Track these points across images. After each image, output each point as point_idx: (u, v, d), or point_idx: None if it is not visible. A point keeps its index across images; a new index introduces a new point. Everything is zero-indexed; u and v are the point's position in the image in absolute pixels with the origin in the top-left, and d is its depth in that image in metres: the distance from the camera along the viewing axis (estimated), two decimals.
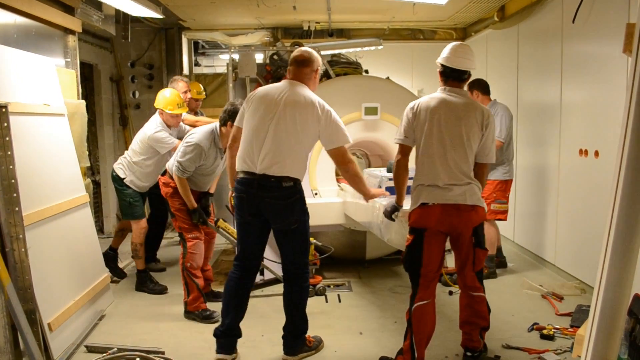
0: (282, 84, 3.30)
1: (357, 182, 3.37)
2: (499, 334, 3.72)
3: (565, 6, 4.72)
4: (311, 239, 4.64)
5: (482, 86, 4.81)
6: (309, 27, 6.83)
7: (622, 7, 3.91)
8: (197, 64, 8.88)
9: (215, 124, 4.09)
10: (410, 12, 6.19)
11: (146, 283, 4.74)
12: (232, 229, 4.50)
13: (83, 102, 4.68)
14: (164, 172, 4.30)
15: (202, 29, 7.26)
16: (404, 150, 3.20)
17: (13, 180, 3.12)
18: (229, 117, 3.90)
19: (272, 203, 3.20)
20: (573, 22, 4.42)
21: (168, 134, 4.67)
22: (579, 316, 3.91)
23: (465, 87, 4.53)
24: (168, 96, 4.70)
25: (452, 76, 3.17)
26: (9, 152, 3.12)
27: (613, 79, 4.06)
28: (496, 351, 3.49)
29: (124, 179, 4.73)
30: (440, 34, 7.42)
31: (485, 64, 6.66)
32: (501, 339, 3.63)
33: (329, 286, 4.67)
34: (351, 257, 5.22)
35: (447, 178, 3.03)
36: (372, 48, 6.61)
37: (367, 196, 3.47)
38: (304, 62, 3.29)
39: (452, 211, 3.02)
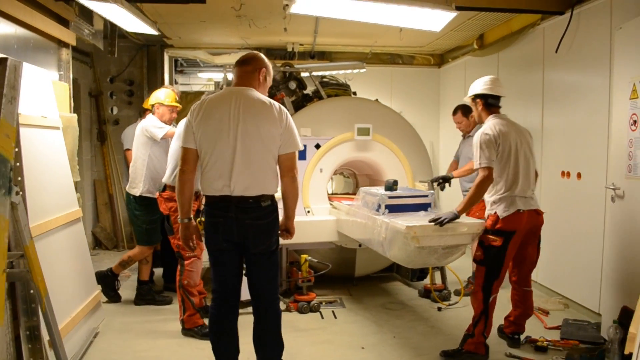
0: (227, 91, 3.00)
1: (294, 197, 3.04)
2: (497, 346, 3.84)
3: (546, 36, 5.02)
4: (306, 256, 4.70)
5: (467, 110, 5.09)
6: (292, 48, 6.95)
7: (604, 37, 4.20)
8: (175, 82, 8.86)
9: None
10: (394, 37, 6.40)
11: (109, 286, 4.75)
12: None
13: (75, 116, 4.61)
14: (164, 188, 4.19)
15: (185, 47, 7.27)
16: (491, 172, 3.55)
17: (21, 193, 3.05)
18: None
19: (252, 224, 2.92)
20: (556, 51, 4.71)
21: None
22: (567, 329, 4.10)
23: (459, 112, 4.85)
24: (164, 91, 4.76)
25: (494, 104, 3.76)
26: (18, 164, 3.07)
27: (595, 105, 4.33)
28: (500, 359, 3.64)
29: (139, 195, 4.62)
30: (419, 60, 7.69)
31: (463, 90, 6.92)
32: (500, 351, 3.76)
33: (321, 303, 4.71)
34: (341, 275, 5.29)
35: (530, 190, 3.68)
36: (355, 71, 6.80)
37: (290, 220, 3.09)
38: (245, 60, 3.03)
39: (535, 215, 3.67)
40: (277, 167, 2.99)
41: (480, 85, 3.77)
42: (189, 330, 4.02)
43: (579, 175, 4.55)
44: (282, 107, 2.98)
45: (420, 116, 7.32)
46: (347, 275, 5.33)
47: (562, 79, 4.83)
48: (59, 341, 2.74)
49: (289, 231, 3.12)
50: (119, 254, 6.87)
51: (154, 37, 6.78)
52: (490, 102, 3.74)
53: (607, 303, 3.92)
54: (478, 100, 3.77)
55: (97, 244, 7.16)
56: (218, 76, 8.78)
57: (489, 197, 3.65)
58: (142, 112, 7.21)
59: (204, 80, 9.55)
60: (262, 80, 3.04)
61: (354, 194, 5.66)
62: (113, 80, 7.27)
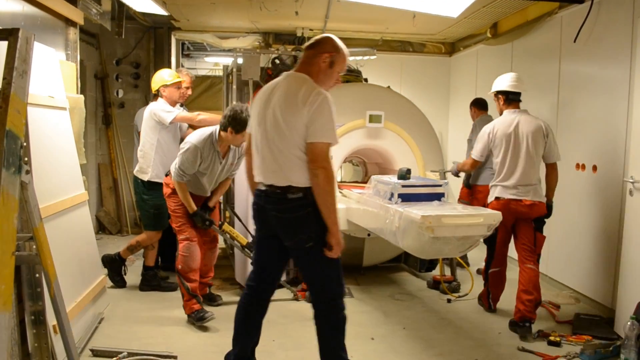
0: (279, 77, 2.84)
1: (320, 196, 2.62)
2: (509, 340, 3.79)
3: (564, 26, 4.90)
4: None
5: (479, 104, 5.56)
6: (302, 33, 6.83)
7: (625, 27, 4.09)
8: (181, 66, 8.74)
9: (216, 127, 3.95)
10: (406, 23, 6.29)
11: (114, 268, 4.73)
12: (237, 233, 4.42)
13: (82, 97, 4.53)
14: (167, 173, 4.18)
15: (192, 30, 7.15)
16: (475, 163, 4.33)
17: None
18: (229, 122, 3.78)
19: (278, 217, 2.76)
20: (574, 41, 4.59)
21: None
22: (579, 324, 4.04)
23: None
24: (165, 71, 4.68)
25: (515, 99, 4.14)
26: (26, 144, 2.97)
27: (614, 97, 4.23)
28: (512, 354, 3.58)
29: (148, 180, 4.54)
30: (429, 48, 7.57)
31: (475, 79, 6.83)
32: (511, 345, 3.70)
33: None
34: (348, 264, 5.20)
35: (514, 180, 4.04)
36: (366, 57, 6.68)
37: (332, 230, 2.67)
38: (311, 44, 2.81)
39: (520, 204, 3.99)
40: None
41: (503, 82, 4.16)
42: (188, 317, 3.96)
43: (594, 168, 4.46)
44: (322, 93, 2.63)
45: (429, 105, 7.17)
46: (355, 264, 5.26)
47: (579, 70, 4.72)
48: (67, 328, 2.67)
49: (328, 245, 2.69)
50: (123, 239, 6.82)
51: (161, 19, 6.68)
52: (511, 98, 4.12)
53: (623, 298, 3.85)
54: (500, 96, 4.16)
55: (101, 228, 7.10)
56: (225, 60, 8.67)
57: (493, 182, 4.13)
58: (150, 96, 7.16)
59: (211, 64, 9.44)
60: (324, 66, 2.74)
61: (364, 182, 5.59)
62: (119, 62, 7.16)
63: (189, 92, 5.09)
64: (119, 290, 4.66)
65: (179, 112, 4.51)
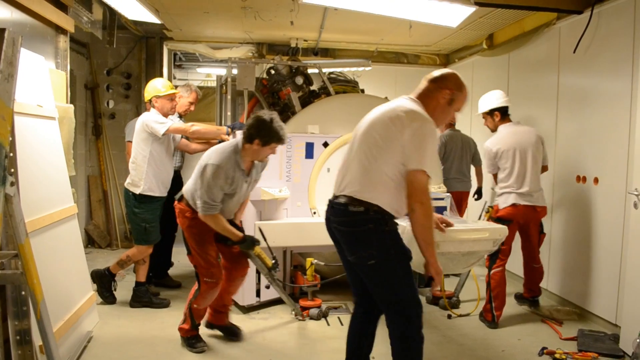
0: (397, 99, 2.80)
1: (417, 230, 2.55)
2: (512, 357, 3.68)
3: (562, 37, 4.86)
4: (311, 260, 4.50)
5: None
6: (296, 44, 6.75)
7: (626, 38, 4.04)
8: (173, 77, 8.63)
9: (236, 141, 3.54)
10: (401, 34, 6.23)
11: (104, 286, 4.54)
12: (265, 255, 4.16)
13: (71, 107, 4.40)
14: (181, 198, 3.69)
15: (185, 40, 7.04)
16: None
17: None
18: (257, 133, 3.37)
19: (338, 229, 2.69)
20: (574, 52, 4.54)
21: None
22: (584, 340, 3.94)
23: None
24: (158, 81, 4.52)
25: (508, 113, 4.44)
26: (12, 154, 2.84)
27: (615, 109, 4.17)
28: None
29: (140, 193, 4.35)
30: (424, 59, 7.52)
31: (470, 91, 6.74)
32: None
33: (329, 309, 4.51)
34: (346, 279, 5.07)
35: (526, 187, 4.33)
36: (361, 69, 6.62)
37: (430, 261, 2.60)
38: (436, 77, 2.73)
39: (531, 209, 4.30)
40: (394, 184, 2.59)
41: (495, 99, 4.40)
42: (182, 338, 3.78)
43: (595, 180, 4.39)
44: (423, 120, 2.55)
45: None
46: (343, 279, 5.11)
47: (579, 81, 4.66)
48: (55, 352, 2.51)
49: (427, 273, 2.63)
50: (113, 253, 6.65)
51: (153, 28, 6.58)
52: (506, 113, 4.41)
53: (628, 314, 3.76)
54: (496, 112, 4.39)
55: (90, 242, 6.91)
56: (217, 71, 8.56)
57: (497, 189, 4.38)
58: (141, 107, 7.02)
59: (203, 75, 9.33)
60: (442, 102, 2.68)
61: None
62: (110, 72, 7.03)
63: (192, 107, 4.99)
64: (109, 307, 4.49)
65: (172, 123, 4.36)
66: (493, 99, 4.43)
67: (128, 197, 4.46)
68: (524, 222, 4.34)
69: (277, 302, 4.61)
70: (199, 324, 3.75)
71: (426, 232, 2.53)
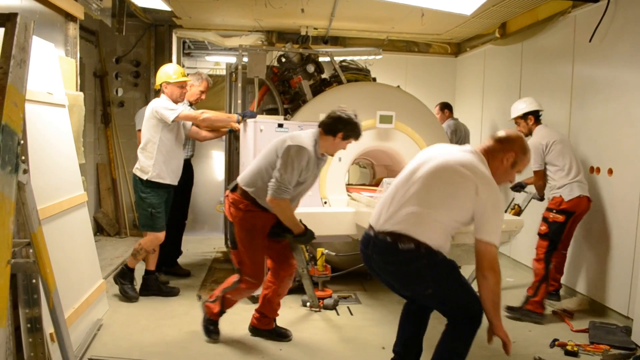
0: (461, 147, 2.81)
1: (492, 297, 2.56)
2: (523, 349, 3.65)
3: (577, 25, 4.77)
4: (322, 250, 4.48)
5: (449, 108, 6.73)
6: (306, 32, 6.69)
7: None
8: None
9: (313, 131, 3.42)
10: (413, 22, 6.15)
11: (126, 280, 4.39)
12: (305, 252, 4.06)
13: (81, 94, 4.38)
14: (235, 188, 3.48)
15: (194, 28, 6.99)
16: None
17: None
18: (344, 126, 3.32)
19: (386, 270, 2.68)
20: (590, 41, 4.46)
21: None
22: (595, 333, 3.91)
23: (437, 108, 6.36)
24: (171, 67, 4.47)
25: (539, 117, 4.51)
26: (23, 142, 2.82)
27: (632, 99, 4.09)
28: None
29: (148, 179, 4.28)
30: (435, 48, 7.44)
31: (482, 80, 6.70)
32: (528, 354, 3.57)
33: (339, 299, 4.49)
34: (356, 269, 5.06)
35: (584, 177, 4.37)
36: (371, 57, 6.55)
37: (497, 325, 2.60)
38: (502, 138, 2.74)
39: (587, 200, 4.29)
40: (448, 229, 2.60)
41: (529, 104, 4.48)
42: (204, 319, 3.69)
43: (610, 172, 4.33)
44: (493, 188, 2.56)
45: (434, 106, 7.08)
46: (362, 269, 5.09)
47: (594, 71, 4.58)
48: (67, 340, 2.50)
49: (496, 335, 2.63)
50: (122, 241, 6.67)
51: (162, 16, 6.53)
52: (539, 117, 4.49)
53: None
54: (530, 116, 4.45)
55: (99, 230, 6.93)
56: (226, 59, 8.51)
57: (554, 182, 4.30)
58: (150, 95, 6.99)
59: (211, 63, 9.27)
60: (506, 164, 2.70)
61: (371, 184, 5.45)
62: (119, 60, 6.99)
63: (203, 96, 4.96)
64: (119, 296, 4.49)
65: (182, 109, 4.30)
66: (527, 103, 4.50)
67: (136, 183, 4.39)
68: (579, 214, 4.30)
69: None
70: (225, 312, 3.68)
71: (497, 298, 2.56)
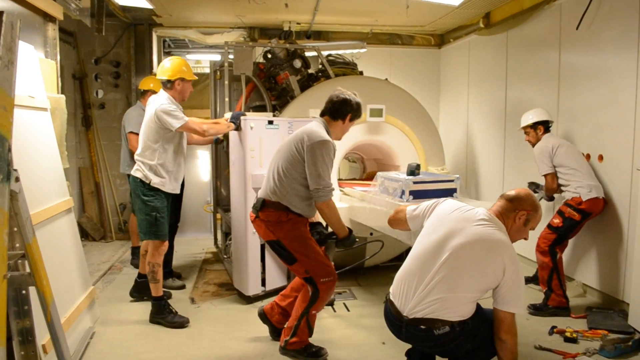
0: (473, 208, 2.74)
1: (509, 356, 2.59)
2: (523, 338, 3.60)
3: (564, 13, 4.77)
4: None
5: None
6: (289, 27, 6.60)
7: (631, 13, 3.96)
8: None
9: (319, 120, 3.35)
10: (396, 15, 6.12)
11: (164, 313, 3.92)
12: None
13: (63, 97, 4.22)
14: (262, 206, 3.25)
15: (175, 26, 6.86)
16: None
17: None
18: (353, 108, 3.30)
19: (425, 351, 2.74)
20: (577, 28, 4.46)
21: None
22: (593, 318, 3.93)
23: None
24: (181, 61, 4.01)
25: (549, 128, 4.49)
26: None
27: (620, 86, 4.11)
28: (529, 353, 3.44)
29: (150, 182, 3.88)
30: (418, 40, 7.42)
31: (467, 71, 6.69)
32: (528, 343, 3.56)
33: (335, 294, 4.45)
34: (349, 265, 5.01)
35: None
36: (356, 51, 6.50)
37: None
38: (512, 197, 2.71)
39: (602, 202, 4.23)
40: (476, 296, 2.59)
41: (539, 114, 4.48)
42: (291, 352, 3.37)
43: (600, 158, 4.34)
44: (514, 258, 2.55)
45: (419, 98, 6.98)
46: (357, 265, 5.05)
47: (582, 59, 4.58)
48: (66, 353, 2.40)
49: None
50: (107, 245, 6.55)
51: (141, 15, 6.40)
52: (549, 127, 4.48)
53: (636, 290, 3.73)
54: (540, 126, 4.44)
55: (84, 235, 6.77)
56: (207, 57, 8.39)
57: (571, 183, 4.22)
58: (131, 96, 6.85)
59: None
60: (519, 223, 2.68)
61: (362, 179, 5.41)
62: (98, 61, 6.83)
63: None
64: (110, 302, 4.38)
65: (189, 119, 3.87)
66: (537, 113, 4.48)
67: (136, 186, 3.94)
68: (594, 215, 4.23)
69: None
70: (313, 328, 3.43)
71: (515, 356, 2.60)
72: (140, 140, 4.00)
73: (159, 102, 3.88)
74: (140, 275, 4.42)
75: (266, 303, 3.73)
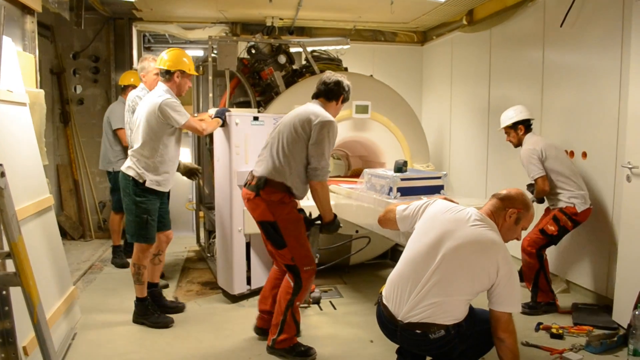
0: (464, 208, 2.71)
1: (511, 357, 2.58)
2: None
3: (547, 10, 4.80)
4: None
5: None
6: (272, 23, 6.53)
7: (615, 11, 4.00)
8: None
9: (312, 103, 3.36)
10: (380, 11, 6.09)
11: (147, 314, 3.83)
12: None
13: (42, 92, 4.11)
14: (264, 184, 3.18)
15: (155, 21, 6.73)
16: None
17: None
18: (345, 90, 3.35)
19: (419, 354, 2.72)
20: (561, 26, 4.49)
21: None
22: (579, 314, 3.97)
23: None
24: (183, 54, 3.86)
25: (531, 126, 4.34)
26: None
27: (604, 83, 4.15)
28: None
29: (145, 182, 3.70)
30: (401, 37, 7.41)
31: (450, 68, 6.71)
32: None
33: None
34: (335, 262, 4.99)
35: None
36: (339, 47, 6.46)
37: None
38: (502, 197, 2.70)
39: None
40: (469, 298, 2.58)
41: (519, 113, 4.31)
42: (280, 351, 3.31)
43: (584, 155, 4.38)
44: (508, 259, 2.53)
45: (402, 95, 7.06)
46: (340, 263, 5.03)
47: (565, 57, 4.62)
48: (53, 355, 2.32)
49: None
50: (87, 244, 6.42)
51: (121, 9, 6.27)
52: (530, 126, 4.34)
53: (621, 286, 3.78)
54: (520, 126, 4.29)
55: (62, 233, 6.59)
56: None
57: (564, 191, 4.14)
58: (111, 92, 6.71)
59: None
60: (509, 221, 2.66)
61: (347, 176, 5.38)
62: (76, 56, 6.68)
63: (160, 78, 4.67)
64: (91, 302, 4.28)
65: (190, 117, 3.75)
66: (517, 112, 4.33)
67: (127, 185, 3.74)
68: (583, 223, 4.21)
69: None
70: (300, 322, 3.44)
71: (516, 356, 2.59)
72: (136, 137, 3.78)
73: (158, 94, 3.69)
74: (149, 285, 4.04)
75: (251, 304, 3.66)
